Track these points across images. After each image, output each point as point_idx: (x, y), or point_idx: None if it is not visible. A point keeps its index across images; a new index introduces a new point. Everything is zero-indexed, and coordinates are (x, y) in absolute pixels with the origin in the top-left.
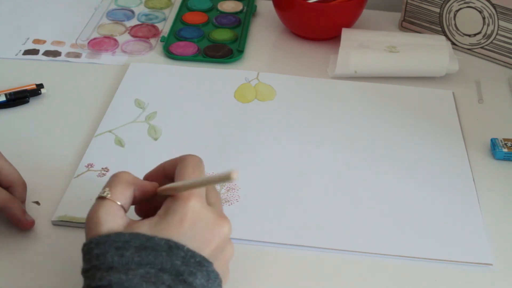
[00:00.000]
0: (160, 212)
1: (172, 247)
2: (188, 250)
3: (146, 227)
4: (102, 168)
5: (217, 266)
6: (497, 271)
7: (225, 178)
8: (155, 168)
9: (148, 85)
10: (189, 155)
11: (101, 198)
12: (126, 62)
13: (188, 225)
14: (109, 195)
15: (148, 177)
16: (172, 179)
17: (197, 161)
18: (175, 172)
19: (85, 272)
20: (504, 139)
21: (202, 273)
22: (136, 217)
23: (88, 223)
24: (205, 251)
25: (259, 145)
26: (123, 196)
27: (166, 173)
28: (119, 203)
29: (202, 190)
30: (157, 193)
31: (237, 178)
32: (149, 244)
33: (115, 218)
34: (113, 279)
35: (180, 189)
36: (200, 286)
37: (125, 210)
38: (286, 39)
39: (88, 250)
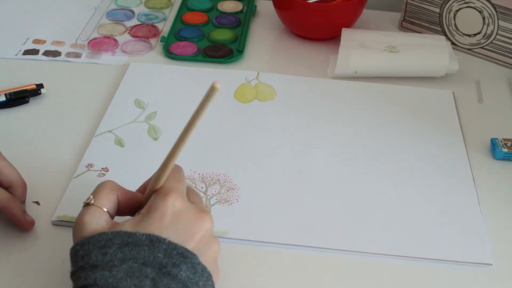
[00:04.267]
0: (142, 210)
1: (154, 240)
2: (170, 243)
3: (129, 225)
4: (102, 168)
5: (204, 261)
6: (497, 271)
7: (211, 91)
8: (143, 183)
9: (148, 85)
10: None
11: (86, 204)
12: (126, 62)
13: (170, 220)
14: (92, 201)
15: (138, 190)
16: None
17: (177, 167)
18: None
19: (72, 275)
20: (504, 139)
21: (186, 265)
22: None
23: (74, 229)
24: (188, 244)
25: (259, 145)
26: (107, 201)
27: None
28: (103, 207)
29: (182, 188)
30: (144, 201)
31: (220, 88)
32: (131, 240)
33: (99, 221)
34: (98, 276)
35: (159, 176)
36: (186, 279)
37: (111, 215)
38: (286, 39)
39: (74, 252)
